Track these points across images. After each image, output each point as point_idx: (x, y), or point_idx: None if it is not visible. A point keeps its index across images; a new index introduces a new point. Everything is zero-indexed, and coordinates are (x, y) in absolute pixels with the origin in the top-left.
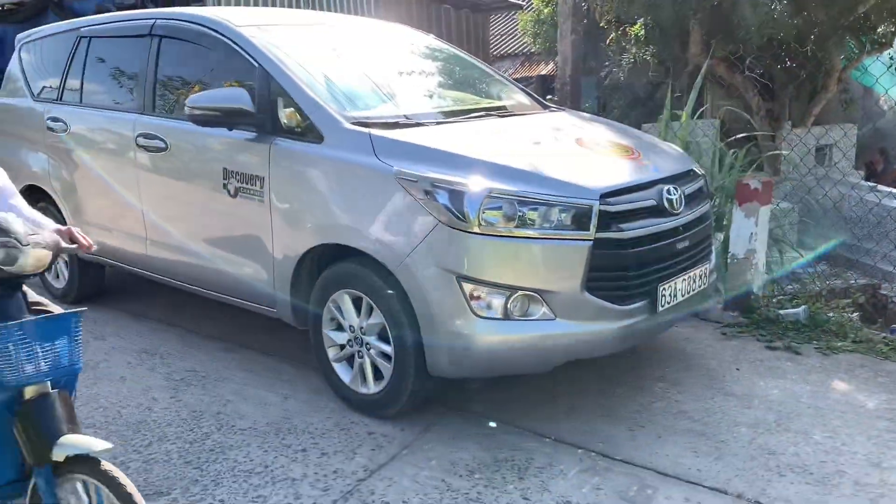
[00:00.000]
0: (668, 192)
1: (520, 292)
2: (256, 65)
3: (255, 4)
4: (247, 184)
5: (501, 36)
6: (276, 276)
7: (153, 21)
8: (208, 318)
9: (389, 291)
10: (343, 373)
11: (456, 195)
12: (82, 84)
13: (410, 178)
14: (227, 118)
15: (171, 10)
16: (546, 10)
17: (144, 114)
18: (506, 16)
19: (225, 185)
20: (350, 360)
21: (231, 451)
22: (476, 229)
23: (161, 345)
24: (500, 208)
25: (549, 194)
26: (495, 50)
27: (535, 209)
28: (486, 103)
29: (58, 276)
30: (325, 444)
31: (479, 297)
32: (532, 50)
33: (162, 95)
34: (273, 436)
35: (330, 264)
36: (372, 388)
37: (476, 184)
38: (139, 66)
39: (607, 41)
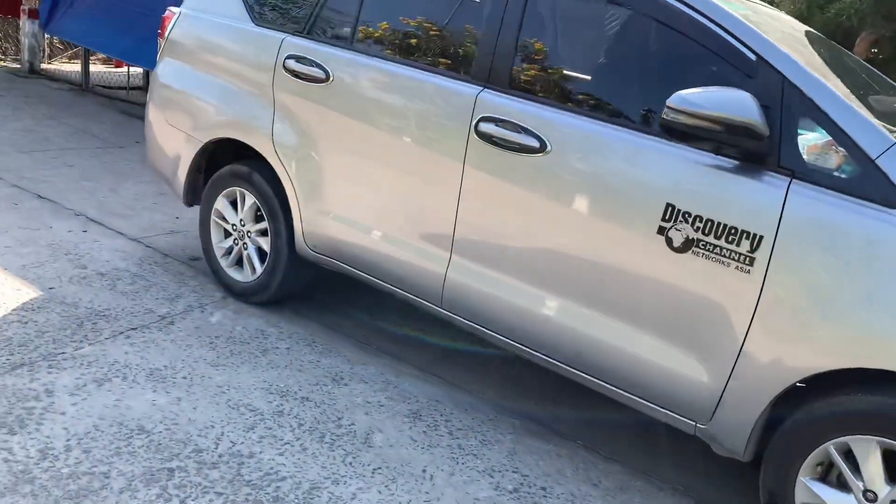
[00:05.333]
0: None
1: None
2: (752, 57)
3: None
4: (717, 238)
5: None
6: (734, 385)
7: None
8: (450, 358)
9: None
10: None
11: None
12: (359, 16)
13: None
14: (726, 136)
15: None
16: None
17: (492, 87)
18: None
19: (663, 230)
20: None
21: None
22: None
23: (433, 407)
24: None
25: None
26: None
27: None
28: None
29: (242, 267)
30: None
31: None
32: None
33: (539, 68)
34: None
35: (864, 391)
36: None
37: None
38: (489, 11)
39: None
